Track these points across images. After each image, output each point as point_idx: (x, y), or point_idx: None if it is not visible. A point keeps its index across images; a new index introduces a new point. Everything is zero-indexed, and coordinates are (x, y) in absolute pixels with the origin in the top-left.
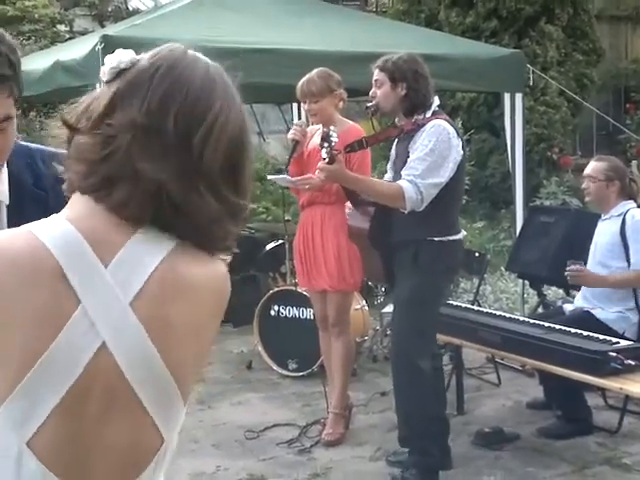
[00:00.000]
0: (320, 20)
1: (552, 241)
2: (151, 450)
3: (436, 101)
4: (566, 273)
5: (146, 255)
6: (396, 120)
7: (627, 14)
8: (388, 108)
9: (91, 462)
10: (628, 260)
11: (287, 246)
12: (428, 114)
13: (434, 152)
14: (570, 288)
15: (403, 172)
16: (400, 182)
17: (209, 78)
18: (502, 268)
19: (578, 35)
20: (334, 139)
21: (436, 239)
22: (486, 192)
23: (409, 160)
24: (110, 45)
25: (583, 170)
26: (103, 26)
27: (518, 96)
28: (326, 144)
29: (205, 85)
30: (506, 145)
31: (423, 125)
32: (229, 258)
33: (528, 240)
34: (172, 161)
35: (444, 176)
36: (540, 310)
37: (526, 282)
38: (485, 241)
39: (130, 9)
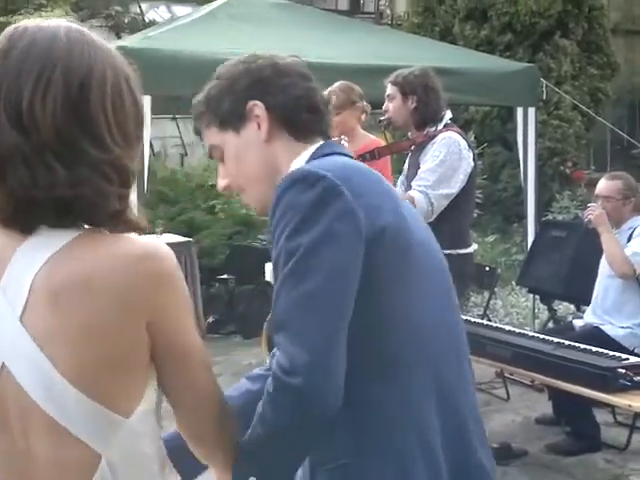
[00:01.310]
0: (335, 33)
1: (563, 256)
2: (86, 467)
3: (448, 114)
4: (585, 213)
5: (29, 264)
6: (409, 133)
7: None
8: (400, 121)
9: (38, 477)
10: None
11: None
12: (439, 127)
13: (445, 163)
14: (581, 304)
15: (414, 183)
16: (411, 192)
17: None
18: (513, 282)
19: (593, 49)
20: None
21: (446, 252)
22: (498, 206)
23: (420, 171)
24: (125, 56)
25: (596, 184)
26: (120, 37)
27: (531, 110)
28: None
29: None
30: (519, 159)
31: (434, 137)
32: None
33: (539, 255)
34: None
35: (455, 187)
36: (551, 325)
37: (537, 297)
38: (497, 255)
39: (147, 21)
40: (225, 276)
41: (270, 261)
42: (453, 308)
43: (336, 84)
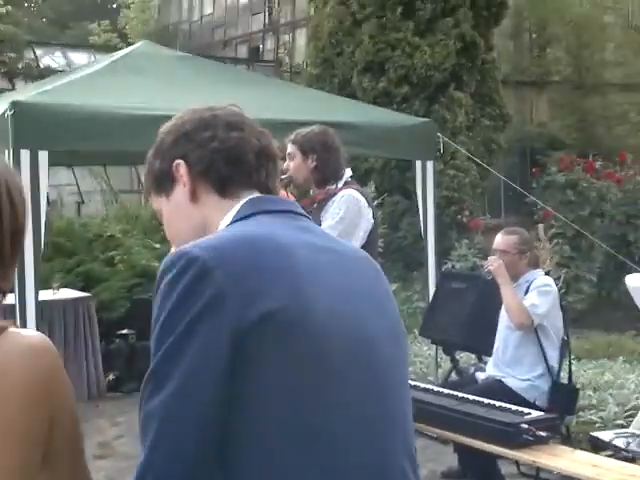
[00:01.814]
0: (233, 86)
1: (464, 307)
2: None
3: (348, 172)
4: (483, 266)
5: None
6: (310, 191)
7: (532, 80)
8: (300, 180)
9: None
10: None
11: None
12: (340, 184)
13: (344, 220)
14: (482, 354)
15: None
16: None
17: None
18: (415, 331)
19: (486, 101)
20: None
21: None
22: (399, 253)
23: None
24: (20, 111)
25: (492, 230)
26: (13, 84)
27: (429, 163)
28: None
29: None
30: (418, 207)
31: (334, 195)
32: None
33: (440, 306)
34: None
35: (355, 244)
36: (453, 375)
37: (439, 347)
38: (399, 303)
39: (42, 66)
40: (125, 331)
41: None
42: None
43: None
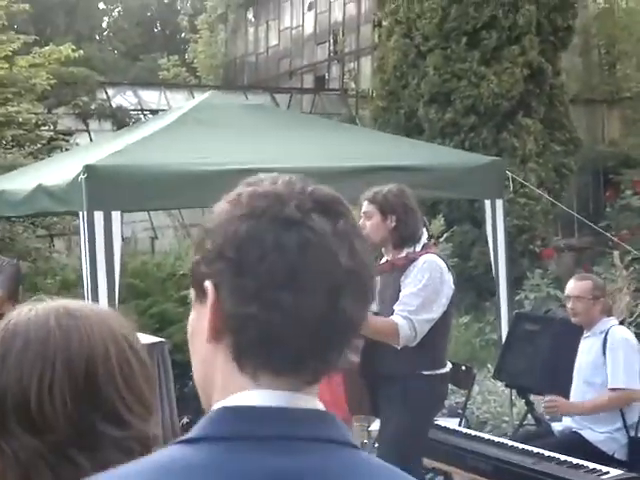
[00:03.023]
0: (299, 134)
1: (538, 351)
2: None
3: (425, 234)
4: (542, 405)
5: None
6: (382, 250)
7: (602, 97)
8: (377, 240)
9: None
10: None
11: None
12: (418, 247)
13: (427, 288)
14: None
15: (396, 307)
16: (394, 318)
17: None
18: (489, 365)
19: (555, 126)
20: None
21: (425, 373)
22: (470, 283)
23: (402, 295)
24: (93, 175)
25: (564, 252)
26: (87, 124)
27: (498, 202)
28: None
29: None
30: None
31: (415, 259)
32: None
33: (514, 349)
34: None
35: (437, 312)
36: (529, 417)
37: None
38: (471, 335)
39: (114, 106)
40: None
41: None
42: None
43: None
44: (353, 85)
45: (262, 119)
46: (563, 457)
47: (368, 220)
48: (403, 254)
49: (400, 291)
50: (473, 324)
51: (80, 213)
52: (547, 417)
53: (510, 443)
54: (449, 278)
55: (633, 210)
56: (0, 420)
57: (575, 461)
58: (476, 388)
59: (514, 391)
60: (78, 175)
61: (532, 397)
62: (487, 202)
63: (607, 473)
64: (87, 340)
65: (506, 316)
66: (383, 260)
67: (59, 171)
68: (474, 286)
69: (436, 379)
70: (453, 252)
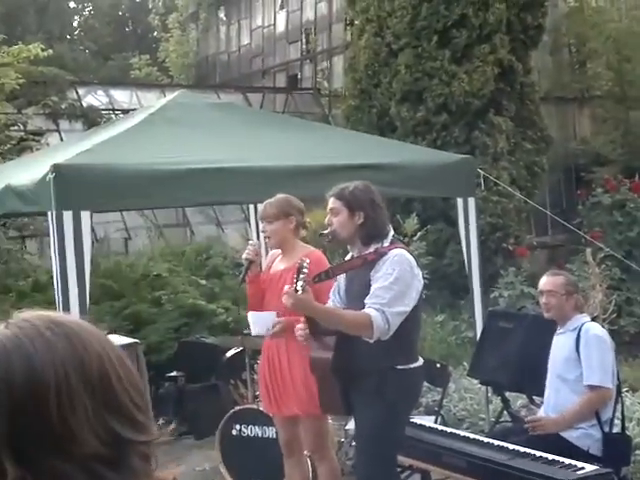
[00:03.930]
0: (270, 132)
1: (512, 348)
2: None
3: (391, 229)
4: (525, 427)
5: None
6: (348, 247)
7: (573, 95)
8: (345, 236)
9: None
10: None
11: (247, 354)
12: (386, 243)
13: (399, 280)
14: (532, 395)
15: (368, 300)
16: (367, 311)
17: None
18: (465, 363)
19: (526, 124)
20: (306, 270)
21: (398, 367)
22: (445, 281)
23: (373, 288)
24: (61, 175)
25: (537, 250)
26: (57, 124)
27: (470, 200)
28: (301, 275)
29: None
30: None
31: (385, 254)
32: None
33: (488, 346)
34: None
35: (409, 305)
36: (505, 414)
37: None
38: (446, 334)
39: (84, 105)
40: (174, 373)
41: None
42: None
43: (277, 196)
44: (326, 84)
45: (233, 118)
46: (538, 453)
47: (335, 217)
48: (371, 249)
49: (369, 286)
50: (448, 322)
51: (49, 213)
52: (523, 414)
53: (485, 440)
54: (419, 272)
55: (604, 208)
56: (19, 449)
57: (550, 457)
58: (452, 386)
59: (490, 388)
60: (46, 175)
61: (507, 394)
62: (459, 200)
63: (582, 468)
64: (91, 344)
65: (480, 314)
66: (349, 256)
67: (28, 171)
68: (449, 284)
69: (410, 373)
70: (427, 250)
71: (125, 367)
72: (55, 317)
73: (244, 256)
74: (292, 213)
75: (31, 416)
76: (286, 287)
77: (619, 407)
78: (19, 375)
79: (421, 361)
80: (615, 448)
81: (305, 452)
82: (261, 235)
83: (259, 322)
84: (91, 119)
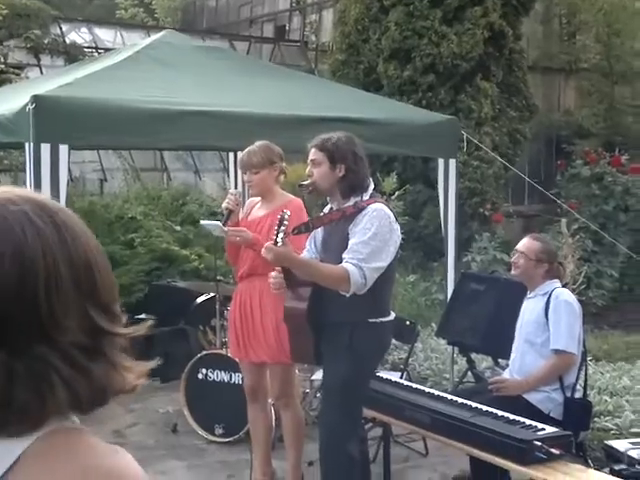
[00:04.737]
0: (257, 80)
1: (482, 310)
2: None
3: (371, 183)
4: (489, 387)
5: None
6: (327, 198)
7: (560, 66)
8: (325, 187)
9: None
10: None
11: (218, 301)
12: (366, 196)
13: (377, 236)
14: (498, 357)
15: (346, 255)
16: (345, 265)
17: None
18: (433, 324)
19: (512, 91)
20: (286, 223)
21: (370, 320)
22: (419, 243)
23: (351, 243)
24: (41, 106)
25: (513, 217)
26: (39, 59)
27: (452, 161)
28: (282, 228)
29: None
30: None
31: (363, 208)
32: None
33: (458, 307)
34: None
35: (386, 260)
36: (469, 375)
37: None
38: (417, 294)
39: (67, 42)
40: (143, 316)
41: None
42: None
43: (257, 143)
44: (313, 38)
45: (219, 62)
46: (500, 412)
47: (316, 168)
48: (351, 203)
49: (347, 239)
50: (420, 283)
51: (26, 144)
52: (487, 375)
53: (449, 397)
54: (397, 227)
55: (582, 180)
56: (4, 333)
57: (512, 417)
58: (419, 346)
59: (456, 349)
60: (26, 105)
61: (473, 355)
62: (440, 161)
63: (542, 429)
64: (77, 235)
65: (453, 277)
66: (327, 208)
67: (6, 101)
68: (423, 246)
69: (381, 327)
70: (404, 211)
71: (103, 259)
72: (42, 202)
73: (224, 205)
74: (276, 161)
75: (19, 302)
76: (267, 244)
77: (582, 374)
78: (8, 261)
79: (392, 315)
80: (575, 413)
81: (269, 400)
82: (239, 183)
83: (212, 228)
84: (73, 56)
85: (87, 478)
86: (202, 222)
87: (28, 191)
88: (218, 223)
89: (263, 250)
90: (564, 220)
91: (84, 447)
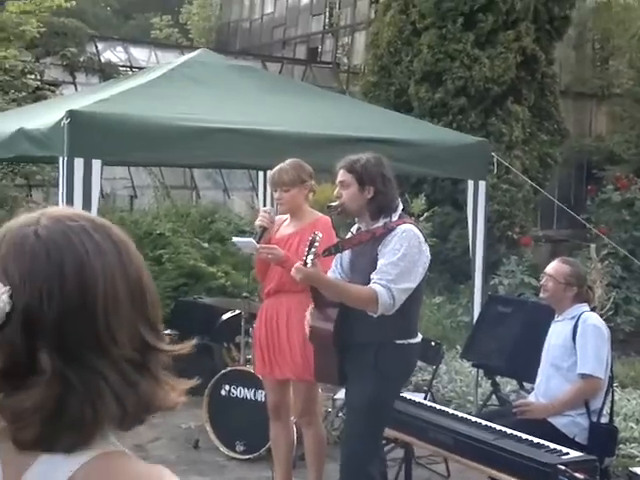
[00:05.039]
0: (290, 99)
1: (508, 333)
2: None
3: (400, 204)
4: (513, 410)
5: None
6: (355, 219)
7: (592, 92)
8: (354, 209)
9: None
10: None
11: (244, 318)
12: (395, 217)
13: (406, 257)
14: (524, 381)
15: (375, 276)
16: (373, 286)
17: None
18: (458, 346)
19: (544, 115)
20: (317, 244)
21: (398, 342)
22: (446, 265)
23: (380, 264)
24: (76, 121)
25: (541, 241)
26: (74, 77)
27: (482, 183)
28: (312, 249)
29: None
30: (467, 220)
31: (393, 229)
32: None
33: (485, 329)
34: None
35: (415, 281)
36: (493, 398)
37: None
38: (443, 316)
39: (102, 61)
40: (168, 331)
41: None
42: None
43: (288, 161)
44: (345, 60)
45: (252, 81)
46: (524, 436)
47: (345, 189)
48: (380, 224)
49: (376, 260)
50: (446, 305)
51: (60, 159)
52: (512, 398)
53: (473, 419)
54: (426, 248)
55: (613, 205)
56: (63, 344)
57: (536, 440)
58: (443, 367)
59: (481, 372)
60: (61, 120)
61: (498, 379)
62: (470, 183)
63: (567, 454)
64: (132, 252)
65: (479, 299)
66: (355, 228)
67: (42, 116)
68: (450, 268)
69: (408, 348)
70: (432, 232)
71: (151, 280)
72: (96, 218)
73: (257, 222)
74: (306, 179)
75: (79, 315)
76: (297, 265)
77: (609, 399)
78: (71, 275)
79: (419, 337)
80: (601, 438)
81: (292, 418)
82: (267, 202)
83: (244, 245)
84: (108, 74)
85: None
86: (234, 239)
87: (79, 209)
88: (251, 240)
89: (293, 270)
90: (593, 245)
91: (131, 473)
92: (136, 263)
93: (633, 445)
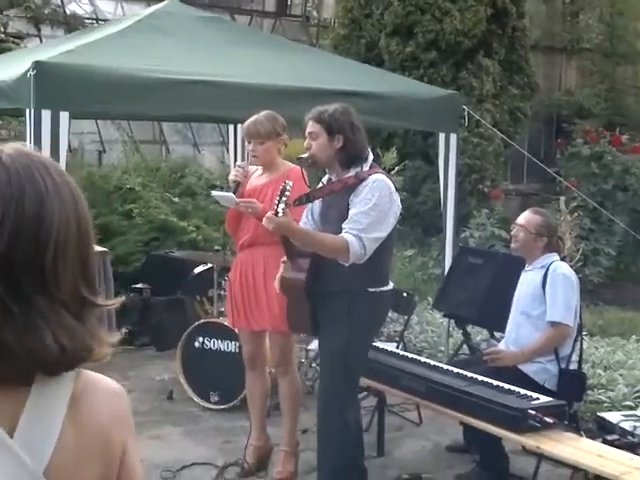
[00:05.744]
0: (258, 51)
1: (479, 283)
2: None
3: (371, 155)
4: (484, 358)
5: (49, 413)
6: (326, 170)
7: (562, 46)
8: (324, 160)
9: None
10: None
11: (216, 271)
12: (365, 167)
13: (377, 207)
14: (494, 330)
15: (346, 225)
16: (345, 236)
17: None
18: (429, 298)
19: (514, 69)
20: (288, 194)
21: (370, 290)
22: (417, 219)
23: (351, 213)
24: (42, 72)
25: (511, 195)
26: (39, 29)
27: (453, 136)
28: (283, 198)
29: None
30: (439, 174)
31: (364, 179)
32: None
33: (456, 280)
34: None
35: (386, 230)
36: (465, 347)
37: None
38: (414, 269)
39: (68, 12)
40: (140, 285)
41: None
42: None
43: (262, 113)
44: (315, 13)
45: (221, 33)
46: (495, 382)
47: (314, 140)
48: (351, 173)
49: (347, 210)
50: (417, 258)
51: (27, 111)
52: (482, 347)
53: (445, 367)
54: (397, 197)
55: (582, 159)
56: (11, 275)
57: (507, 386)
58: (415, 318)
59: (452, 322)
60: (27, 71)
61: (469, 328)
62: (441, 135)
63: (537, 399)
64: (83, 201)
65: (450, 252)
66: (326, 179)
67: (7, 68)
68: (421, 222)
69: (380, 296)
70: (403, 186)
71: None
72: (56, 164)
73: (231, 177)
74: (281, 132)
75: (31, 252)
76: (268, 214)
77: (578, 346)
78: (30, 205)
79: (391, 285)
80: (570, 384)
81: (267, 368)
82: (238, 156)
83: (224, 199)
84: (73, 27)
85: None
86: (214, 193)
87: (38, 152)
88: (231, 195)
89: (264, 220)
90: (563, 198)
91: (97, 378)
92: (87, 216)
93: (601, 391)
